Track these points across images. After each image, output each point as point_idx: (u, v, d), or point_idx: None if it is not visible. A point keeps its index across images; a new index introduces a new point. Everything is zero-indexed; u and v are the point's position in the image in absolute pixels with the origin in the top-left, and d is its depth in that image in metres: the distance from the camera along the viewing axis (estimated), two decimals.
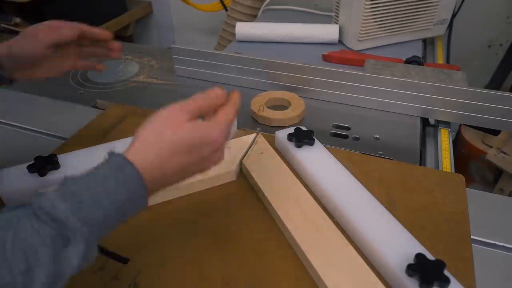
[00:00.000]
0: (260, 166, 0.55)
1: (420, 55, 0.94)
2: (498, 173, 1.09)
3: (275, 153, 0.58)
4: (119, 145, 0.58)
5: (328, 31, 0.99)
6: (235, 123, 0.64)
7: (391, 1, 0.91)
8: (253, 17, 1.27)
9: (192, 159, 0.37)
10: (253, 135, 0.61)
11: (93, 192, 0.33)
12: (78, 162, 0.55)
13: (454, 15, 1.09)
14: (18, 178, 0.52)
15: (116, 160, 0.35)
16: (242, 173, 0.56)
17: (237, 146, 0.58)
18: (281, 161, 0.57)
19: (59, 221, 0.30)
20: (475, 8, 1.19)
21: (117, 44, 0.58)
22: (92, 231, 0.31)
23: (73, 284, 0.42)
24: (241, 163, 0.57)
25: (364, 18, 0.91)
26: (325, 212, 0.48)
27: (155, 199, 0.51)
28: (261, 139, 0.61)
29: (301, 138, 0.57)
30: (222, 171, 0.54)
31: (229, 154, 0.57)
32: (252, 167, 0.55)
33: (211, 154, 0.39)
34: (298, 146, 0.57)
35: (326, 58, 0.92)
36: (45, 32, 0.52)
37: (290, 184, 0.53)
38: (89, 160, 0.55)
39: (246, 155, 0.57)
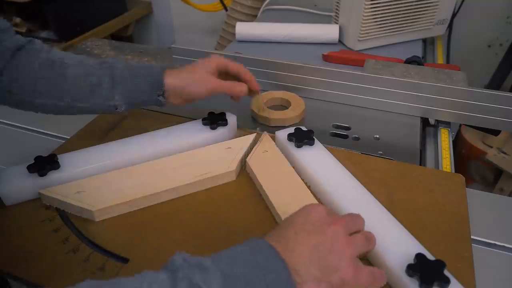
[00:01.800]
0: (264, 165, 0.55)
1: (420, 55, 0.94)
2: (498, 173, 1.09)
3: (280, 152, 0.58)
4: (119, 145, 0.59)
5: (328, 31, 0.99)
6: (235, 123, 0.64)
7: (391, 1, 0.91)
8: (253, 17, 1.27)
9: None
10: (253, 135, 0.61)
11: (229, 252, 0.35)
12: (78, 162, 0.55)
13: (454, 15, 1.09)
14: (18, 178, 0.52)
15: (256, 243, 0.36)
16: (242, 173, 0.56)
17: (237, 146, 0.58)
18: (285, 160, 0.57)
19: (193, 264, 0.32)
20: (475, 8, 1.19)
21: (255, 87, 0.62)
22: (228, 279, 0.32)
23: (73, 283, 0.42)
24: (241, 163, 0.57)
25: (364, 18, 0.91)
26: None
27: (155, 199, 0.51)
28: (266, 138, 0.61)
29: (301, 138, 0.57)
30: (222, 171, 0.54)
31: (229, 154, 0.57)
32: (256, 166, 0.55)
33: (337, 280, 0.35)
34: (298, 146, 0.57)
35: (326, 58, 0.92)
36: (215, 80, 0.57)
37: (293, 183, 0.53)
38: (89, 160, 0.56)
39: (251, 154, 0.57)
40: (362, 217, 0.41)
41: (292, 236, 0.36)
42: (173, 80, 0.56)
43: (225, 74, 0.60)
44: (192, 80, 0.56)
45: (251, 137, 0.60)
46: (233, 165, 0.55)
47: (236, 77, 0.60)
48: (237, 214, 0.50)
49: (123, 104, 0.55)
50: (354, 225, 0.40)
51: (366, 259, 0.44)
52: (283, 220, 0.40)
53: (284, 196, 0.50)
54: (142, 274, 0.31)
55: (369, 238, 0.40)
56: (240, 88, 0.59)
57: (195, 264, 0.32)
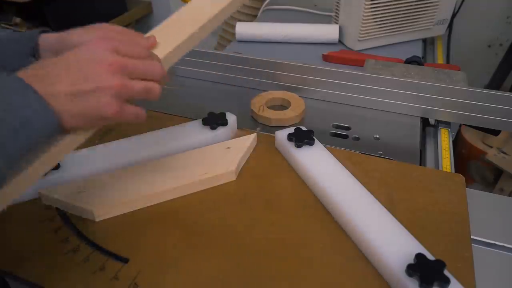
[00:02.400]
0: (263, 166, 0.55)
1: (420, 55, 0.94)
2: (498, 173, 1.09)
3: (278, 153, 0.58)
4: (119, 146, 0.59)
5: (328, 31, 0.99)
6: (235, 123, 0.64)
7: (391, 1, 0.91)
8: (253, 17, 1.27)
9: (78, 73, 0.35)
10: (253, 135, 0.61)
11: None
12: (78, 162, 0.55)
13: (454, 15, 1.09)
14: None
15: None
16: (242, 173, 0.56)
17: (236, 146, 0.58)
18: (284, 161, 0.57)
19: None
20: (475, 8, 1.19)
21: None
22: None
23: (73, 284, 0.42)
24: (241, 163, 0.57)
25: (364, 18, 0.91)
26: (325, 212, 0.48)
27: (155, 199, 0.51)
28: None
29: (301, 138, 0.57)
30: (222, 171, 0.54)
31: (229, 154, 0.57)
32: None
33: (103, 75, 0.36)
34: (298, 146, 0.57)
35: (326, 58, 0.92)
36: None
37: (294, 184, 0.53)
38: (89, 160, 0.56)
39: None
40: (159, 65, 0.41)
41: (50, 63, 0.35)
42: (48, 36, 0.48)
43: None
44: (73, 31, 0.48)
45: (251, 137, 0.60)
46: (233, 165, 0.55)
47: None
48: (237, 214, 0.50)
49: None
50: (143, 68, 0.39)
51: (366, 260, 0.44)
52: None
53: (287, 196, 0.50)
54: None
55: (149, 89, 0.39)
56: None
57: None
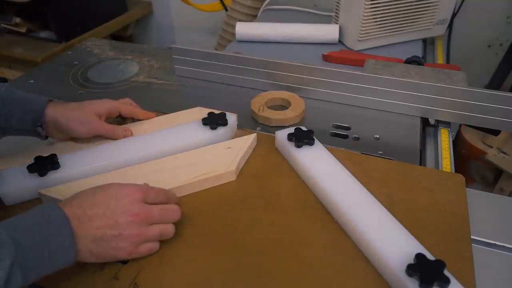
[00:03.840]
0: (263, 166, 0.55)
1: (420, 55, 0.94)
2: (498, 173, 1.09)
3: (278, 153, 0.58)
4: (120, 145, 0.59)
5: (328, 31, 0.99)
6: (235, 123, 0.64)
7: (391, 1, 0.91)
8: (253, 17, 1.27)
9: (106, 219, 0.41)
10: (253, 135, 0.61)
11: (24, 223, 0.37)
12: (78, 162, 0.55)
13: (454, 15, 1.09)
14: (18, 178, 0.52)
15: (46, 205, 0.40)
16: (242, 173, 0.56)
17: (237, 146, 0.58)
18: (284, 161, 0.57)
19: None
20: (475, 8, 1.19)
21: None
22: (18, 253, 0.34)
23: (73, 283, 0.42)
24: (241, 163, 0.57)
25: (364, 18, 0.91)
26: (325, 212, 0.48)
27: None
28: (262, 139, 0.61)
29: (301, 138, 0.57)
30: (222, 171, 0.54)
31: (229, 154, 0.57)
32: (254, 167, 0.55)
33: (128, 225, 0.42)
34: (298, 146, 0.57)
35: (326, 58, 0.92)
36: (99, 123, 0.59)
37: (294, 184, 0.53)
38: (89, 160, 0.55)
39: (247, 155, 0.58)
40: (177, 210, 0.46)
41: (87, 215, 0.41)
42: (54, 113, 0.56)
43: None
44: (75, 118, 0.57)
45: (251, 137, 0.60)
46: (233, 165, 0.55)
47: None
48: (237, 214, 0.50)
49: None
50: (162, 216, 0.45)
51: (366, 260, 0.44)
52: (83, 192, 0.44)
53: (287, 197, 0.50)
54: None
55: (164, 233, 0.45)
56: (122, 133, 0.60)
57: None
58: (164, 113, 0.68)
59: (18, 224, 0.37)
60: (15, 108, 0.54)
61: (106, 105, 0.60)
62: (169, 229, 0.45)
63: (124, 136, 0.60)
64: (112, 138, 0.60)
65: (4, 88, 0.54)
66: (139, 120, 0.65)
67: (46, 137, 0.58)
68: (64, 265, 0.39)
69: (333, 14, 1.01)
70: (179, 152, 0.58)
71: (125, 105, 0.63)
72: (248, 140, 0.59)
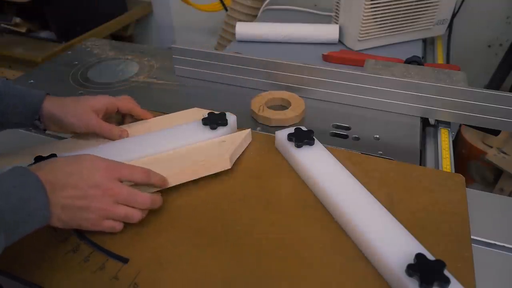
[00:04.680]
0: (263, 166, 0.55)
1: (420, 55, 0.94)
2: (498, 173, 1.09)
3: (278, 153, 0.58)
4: (119, 145, 0.59)
5: (328, 31, 0.99)
6: (235, 123, 0.64)
7: (391, 1, 0.91)
8: (253, 17, 1.27)
9: (78, 190, 0.43)
10: (247, 130, 0.61)
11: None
12: None
13: (454, 15, 1.09)
14: None
15: (17, 168, 0.41)
16: (241, 171, 0.56)
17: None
18: (284, 161, 0.57)
19: None
20: (475, 8, 1.19)
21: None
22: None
23: (73, 284, 0.42)
24: (235, 154, 0.57)
25: (364, 18, 0.91)
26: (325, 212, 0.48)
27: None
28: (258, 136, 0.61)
29: (301, 138, 0.57)
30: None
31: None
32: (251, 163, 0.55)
33: (96, 198, 0.44)
34: (298, 146, 0.57)
35: (326, 58, 0.92)
36: (96, 120, 0.58)
37: (294, 184, 0.53)
38: None
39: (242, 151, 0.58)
40: (148, 198, 0.47)
41: (60, 184, 0.42)
42: (52, 106, 0.56)
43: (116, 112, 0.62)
44: (73, 112, 0.57)
45: (245, 132, 0.60)
46: (227, 154, 0.55)
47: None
48: (237, 214, 0.50)
49: None
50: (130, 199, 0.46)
51: (366, 260, 0.44)
52: (57, 160, 0.45)
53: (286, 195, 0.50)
54: None
55: (129, 216, 0.46)
56: (119, 134, 0.60)
57: None
58: (164, 113, 0.68)
59: None
60: (13, 102, 0.54)
61: (103, 101, 0.59)
62: (135, 214, 0.46)
63: (120, 137, 0.60)
64: (108, 137, 0.59)
65: (1, 83, 0.55)
66: (137, 118, 0.65)
67: (45, 130, 0.59)
68: (39, 225, 0.40)
69: (333, 14, 1.01)
70: (179, 152, 0.58)
71: (124, 101, 0.62)
72: (242, 134, 0.60)
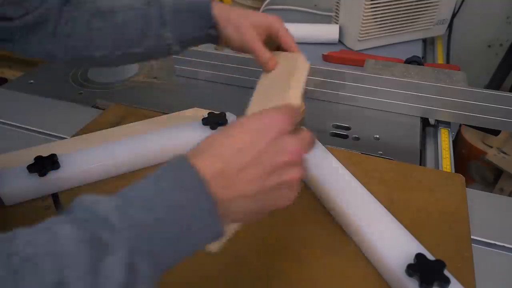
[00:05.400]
0: None
1: (420, 55, 0.94)
2: (498, 173, 1.09)
3: None
4: (119, 145, 0.59)
5: (328, 31, 0.98)
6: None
7: (391, 1, 0.90)
8: None
9: (262, 167, 0.30)
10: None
11: (142, 193, 0.27)
12: (78, 162, 0.55)
13: (454, 15, 1.09)
14: (18, 178, 0.52)
15: (172, 161, 0.30)
16: None
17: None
18: None
19: (98, 218, 0.25)
20: (475, 8, 1.19)
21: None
22: (139, 236, 0.25)
23: None
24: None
25: (364, 18, 0.90)
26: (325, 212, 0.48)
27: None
28: None
29: None
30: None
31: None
32: None
33: (286, 167, 0.31)
34: None
35: (326, 58, 0.92)
36: (258, 42, 0.50)
37: None
38: (89, 160, 0.55)
39: None
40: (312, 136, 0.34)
41: (230, 158, 0.30)
42: (221, 12, 0.50)
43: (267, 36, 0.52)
44: (243, 20, 0.49)
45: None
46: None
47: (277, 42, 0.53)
48: None
49: (176, 43, 0.51)
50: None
51: (367, 260, 0.44)
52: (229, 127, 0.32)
53: None
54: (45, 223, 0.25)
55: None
56: (271, 62, 0.51)
57: (102, 218, 0.25)
58: (164, 113, 0.68)
59: (136, 196, 0.27)
60: (185, 16, 0.50)
61: (268, 21, 0.51)
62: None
63: (272, 67, 0.51)
64: (259, 60, 0.51)
65: (168, 1, 0.50)
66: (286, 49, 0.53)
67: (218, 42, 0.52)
68: (210, 240, 0.29)
69: (333, 14, 1.01)
70: (179, 152, 0.57)
71: (287, 34, 0.52)
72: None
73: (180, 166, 0.29)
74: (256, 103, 0.47)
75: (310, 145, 0.34)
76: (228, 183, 0.29)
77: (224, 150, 0.30)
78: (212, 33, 0.51)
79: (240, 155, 0.30)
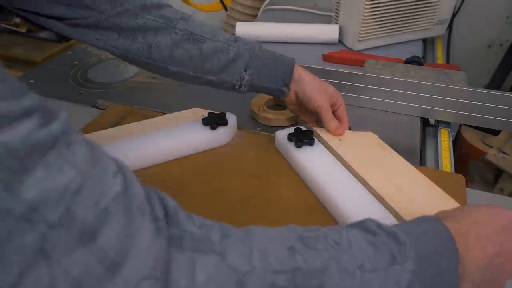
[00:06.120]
0: (263, 166, 0.55)
1: (420, 55, 0.94)
2: (498, 173, 1.09)
3: (278, 153, 0.58)
4: (119, 145, 0.59)
5: (328, 31, 0.99)
6: (235, 123, 0.64)
7: (391, 1, 0.91)
8: (253, 17, 1.27)
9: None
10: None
11: (414, 229, 0.32)
12: None
13: (454, 15, 1.09)
14: None
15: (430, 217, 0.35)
16: (242, 173, 0.56)
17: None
18: (284, 161, 0.57)
19: (390, 234, 0.30)
20: (475, 8, 1.19)
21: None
22: (419, 260, 0.29)
23: None
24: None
25: (364, 18, 0.91)
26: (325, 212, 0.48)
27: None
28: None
29: (301, 138, 0.57)
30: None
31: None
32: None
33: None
34: (298, 146, 0.57)
35: (326, 58, 0.92)
36: (328, 105, 0.56)
37: (294, 184, 0.53)
38: None
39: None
40: None
41: (473, 237, 0.33)
42: (300, 72, 0.55)
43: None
44: (317, 85, 0.56)
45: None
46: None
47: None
48: (237, 215, 0.50)
49: (248, 85, 0.54)
50: None
51: None
52: (464, 208, 0.39)
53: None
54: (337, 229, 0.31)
55: None
56: (336, 126, 0.57)
57: (392, 234, 0.31)
58: (164, 113, 0.68)
59: (408, 228, 0.32)
60: (271, 65, 0.54)
61: (337, 95, 0.57)
62: None
63: (336, 131, 0.57)
64: (327, 124, 0.57)
65: (257, 46, 0.55)
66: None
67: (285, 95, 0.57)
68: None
69: (333, 14, 1.01)
70: (179, 152, 0.58)
71: (343, 108, 0.59)
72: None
73: (434, 219, 0.34)
74: (374, 178, 0.51)
75: None
76: (466, 244, 0.32)
77: (465, 220, 0.35)
78: (285, 90, 0.55)
79: (477, 227, 0.35)
